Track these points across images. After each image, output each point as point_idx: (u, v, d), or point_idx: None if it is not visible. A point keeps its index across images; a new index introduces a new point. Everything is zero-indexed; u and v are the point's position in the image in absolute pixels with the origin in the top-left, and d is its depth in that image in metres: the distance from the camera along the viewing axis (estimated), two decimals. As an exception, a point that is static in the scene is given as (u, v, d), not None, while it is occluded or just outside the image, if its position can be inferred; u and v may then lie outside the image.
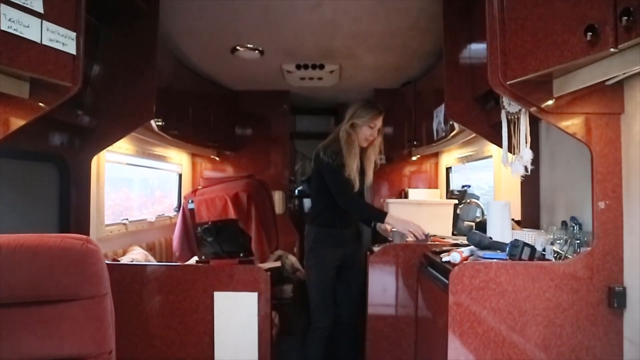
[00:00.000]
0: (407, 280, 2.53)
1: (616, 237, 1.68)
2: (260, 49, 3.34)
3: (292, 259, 3.77)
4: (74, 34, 1.53)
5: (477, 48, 2.39)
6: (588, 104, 1.69)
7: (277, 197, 4.53)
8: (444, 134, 3.34)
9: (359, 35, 3.06)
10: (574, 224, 1.90)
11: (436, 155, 4.65)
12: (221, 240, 2.44)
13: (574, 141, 1.78)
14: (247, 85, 4.48)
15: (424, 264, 2.37)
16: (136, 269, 2.31)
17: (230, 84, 4.43)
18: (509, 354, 1.69)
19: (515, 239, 1.82)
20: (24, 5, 1.37)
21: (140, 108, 2.48)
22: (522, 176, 1.99)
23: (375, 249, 2.80)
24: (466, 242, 2.13)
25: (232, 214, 3.31)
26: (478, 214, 3.28)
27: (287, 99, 4.73)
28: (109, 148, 2.68)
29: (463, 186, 3.76)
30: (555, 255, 1.85)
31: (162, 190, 4.26)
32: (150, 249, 3.33)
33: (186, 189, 4.36)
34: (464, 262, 1.83)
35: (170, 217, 3.98)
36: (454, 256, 1.91)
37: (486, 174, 3.60)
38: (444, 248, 2.29)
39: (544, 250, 1.88)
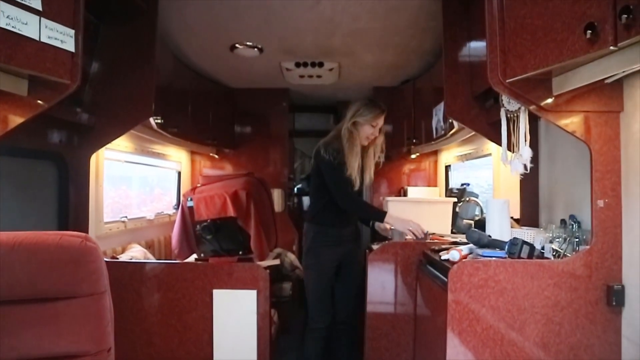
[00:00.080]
0: (406, 278, 2.54)
1: (615, 236, 1.69)
2: (260, 46, 3.33)
3: (291, 257, 3.77)
4: (72, 32, 1.52)
5: (477, 46, 2.39)
6: (587, 102, 1.69)
7: (276, 195, 4.52)
8: (443, 132, 3.33)
9: (358, 33, 3.06)
10: (573, 222, 1.90)
11: (435, 153, 4.65)
12: (220, 238, 2.43)
13: (573, 139, 1.78)
14: (246, 83, 4.47)
15: (423, 262, 2.37)
16: (135, 267, 2.31)
17: (230, 82, 4.42)
18: (507, 352, 1.70)
19: (514, 237, 1.82)
20: (23, 2, 1.36)
21: (139, 106, 2.48)
22: (521, 174, 1.99)
23: (375, 247, 2.80)
24: (465, 240, 2.13)
25: (231, 211, 3.31)
26: (477, 212, 3.28)
27: (286, 97, 4.73)
28: (108, 146, 2.68)
29: (462, 184, 3.76)
30: (554, 253, 1.85)
31: (161, 188, 4.26)
32: (149, 246, 3.33)
33: (185, 186, 4.36)
34: (463, 260, 1.83)
35: (169, 215, 3.98)
36: (453, 254, 1.91)
37: (485, 172, 3.60)
38: (443, 246, 2.29)
39: (542, 248, 1.88)
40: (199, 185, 3.72)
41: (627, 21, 1.13)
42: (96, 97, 2.45)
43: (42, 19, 1.42)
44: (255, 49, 3.36)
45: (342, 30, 3.01)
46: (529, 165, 1.94)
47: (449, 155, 4.31)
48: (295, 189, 5.52)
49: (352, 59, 3.63)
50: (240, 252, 2.41)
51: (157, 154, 3.77)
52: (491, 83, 1.64)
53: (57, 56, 1.48)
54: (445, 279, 1.77)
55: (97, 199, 2.76)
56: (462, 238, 2.63)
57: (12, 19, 1.33)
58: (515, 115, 1.99)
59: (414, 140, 4.05)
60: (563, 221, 1.98)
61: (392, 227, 2.68)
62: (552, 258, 1.82)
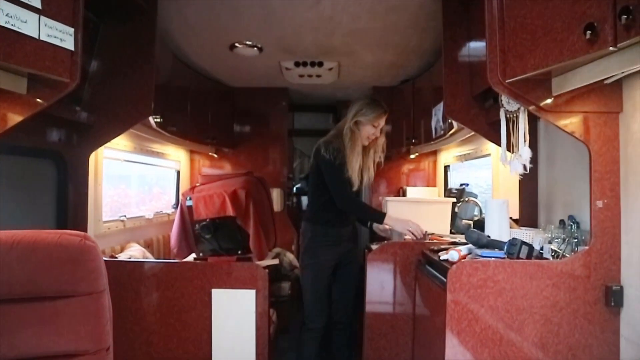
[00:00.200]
0: (405, 278, 2.54)
1: (614, 236, 1.69)
2: (259, 46, 3.33)
3: (290, 257, 3.77)
4: (72, 30, 1.52)
5: (476, 46, 2.39)
6: (587, 102, 1.69)
7: (276, 194, 4.52)
8: (442, 132, 3.34)
9: (358, 32, 3.06)
10: (571, 223, 1.90)
11: (434, 153, 4.65)
12: (219, 237, 2.44)
13: (573, 140, 1.78)
14: (246, 82, 4.47)
15: (422, 262, 2.37)
16: (134, 266, 2.30)
17: (229, 81, 4.42)
18: (506, 352, 1.70)
19: (513, 238, 1.82)
20: (22, 0, 1.36)
21: (138, 104, 2.48)
22: (520, 174, 1.99)
23: (374, 247, 2.80)
24: (464, 240, 2.13)
25: (230, 211, 3.30)
26: (476, 212, 3.29)
27: (286, 96, 4.73)
28: (107, 144, 2.68)
29: (461, 184, 3.77)
30: (552, 253, 1.85)
31: (160, 187, 4.26)
32: (148, 245, 3.33)
33: (184, 186, 4.36)
34: (462, 260, 1.84)
35: (168, 214, 3.97)
36: (452, 254, 1.91)
37: (484, 173, 3.60)
38: (442, 246, 2.29)
39: (541, 248, 1.88)
40: (198, 184, 3.71)
41: (626, 21, 1.14)
42: (95, 96, 2.44)
43: (42, 17, 1.42)
44: (255, 48, 3.36)
45: (342, 29, 3.00)
46: (528, 166, 1.94)
47: (448, 155, 4.31)
48: (295, 189, 5.52)
49: (351, 59, 3.63)
50: (239, 252, 2.42)
51: (156, 153, 3.76)
52: (491, 83, 1.64)
53: (56, 54, 1.48)
54: (444, 279, 1.77)
55: (96, 198, 2.76)
56: (461, 238, 2.63)
57: (11, 17, 1.33)
58: (515, 115, 1.99)
59: (413, 140, 4.05)
60: (562, 221, 1.98)
61: (392, 228, 2.68)
62: (551, 258, 1.82)
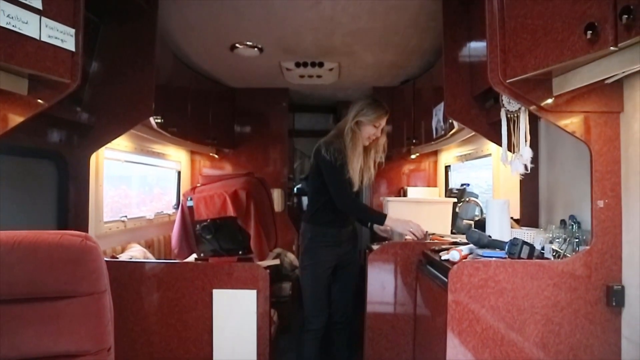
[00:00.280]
0: (406, 278, 2.53)
1: (615, 236, 1.69)
2: (260, 46, 3.33)
3: (291, 257, 3.77)
4: (72, 31, 1.52)
5: (477, 46, 2.39)
6: (587, 102, 1.69)
7: (276, 194, 4.52)
8: (443, 132, 3.34)
9: (358, 33, 3.06)
10: (572, 223, 1.90)
11: (435, 153, 4.65)
12: (220, 237, 2.44)
13: (573, 140, 1.78)
14: (246, 83, 4.47)
15: (422, 262, 2.37)
16: (135, 266, 2.30)
17: (229, 82, 4.42)
18: (507, 352, 1.69)
19: (514, 238, 1.82)
20: (23, 1, 1.36)
21: (139, 105, 2.48)
22: (521, 174, 1.99)
23: (374, 247, 2.80)
24: (465, 240, 2.13)
25: (231, 211, 3.30)
26: (477, 212, 3.29)
27: (286, 97, 4.73)
28: (108, 145, 2.68)
29: (462, 184, 3.77)
30: (554, 253, 1.85)
31: (161, 187, 4.26)
32: (149, 246, 3.33)
33: (185, 186, 4.36)
34: (463, 260, 1.83)
35: (169, 215, 3.98)
36: (453, 254, 1.91)
37: (485, 173, 3.60)
38: (443, 246, 2.29)
39: (542, 248, 1.88)
40: (198, 184, 3.72)
41: (627, 21, 1.14)
42: (96, 97, 2.45)
43: (43, 18, 1.42)
44: (255, 49, 3.36)
45: (342, 30, 3.01)
46: (529, 166, 1.94)
47: (448, 155, 4.31)
48: (295, 189, 5.52)
49: (352, 59, 3.64)
50: (240, 252, 2.41)
51: (156, 154, 3.77)
52: (491, 83, 1.64)
53: (57, 55, 1.48)
54: (445, 279, 1.77)
55: (96, 199, 2.76)
56: (462, 238, 2.62)
57: (12, 17, 1.33)
58: (516, 115, 1.99)
59: (414, 141, 4.05)
60: (563, 221, 1.98)
61: (392, 229, 2.67)
62: (552, 258, 1.82)
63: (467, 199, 3.43)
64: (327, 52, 3.49)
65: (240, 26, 2.98)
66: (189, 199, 3.46)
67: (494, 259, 1.77)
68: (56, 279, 1.31)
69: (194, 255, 2.84)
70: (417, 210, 3.12)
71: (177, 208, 3.99)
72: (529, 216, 2.39)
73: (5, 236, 1.29)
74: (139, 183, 3.89)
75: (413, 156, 4.60)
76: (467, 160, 3.81)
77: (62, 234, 1.34)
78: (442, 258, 2.00)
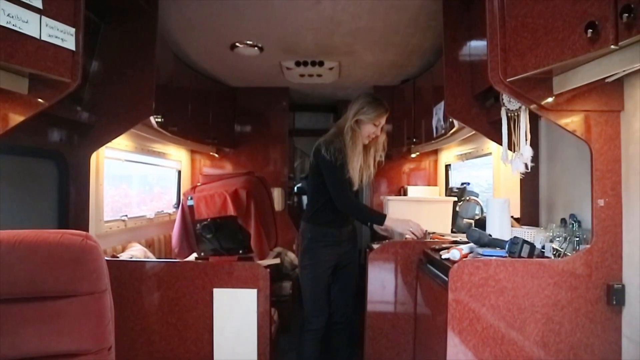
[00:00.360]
0: (406, 277, 2.53)
1: (615, 235, 1.69)
2: (260, 45, 3.33)
3: (291, 256, 3.78)
4: (73, 30, 1.52)
5: (477, 45, 2.39)
6: (588, 101, 1.69)
7: (277, 194, 4.53)
8: (443, 131, 3.34)
9: (359, 32, 3.06)
10: (573, 222, 1.90)
11: (435, 152, 4.65)
12: (220, 237, 2.43)
13: (574, 139, 1.78)
14: (247, 82, 4.47)
15: (423, 261, 2.37)
16: (135, 266, 2.30)
17: (230, 81, 4.42)
18: (507, 351, 1.70)
19: (514, 237, 1.82)
20: (23, 1, 1.36)
21: (139, 104, 2.48)
22: (521, 173, 1.99)
23: (375, 246, 2.80)
24: (465, 239, 2.13)
25: (231, 210, 3.31)
26: (477, 211, 3.29)
27: (287, 96, 4.73)
28: (108, 144, 2.68)
29: (462, 184, 3.77)
30: (554, 252, 1.85)
31: (161, 186, 4.26)
32: (149, 245, 3.33)
33: (185, 185, 4.36)
34: (464, 259, 1.83)
35: (170, 214, 3.98)
36: (454, 253, 1.91)
37: (485, 172, 3.60)
38: (443, 245, 2.29)
39: (543, 247, 1.88)
40: (199, 184, 3.73)
41: (628, 20, 1.13)
42: (96, 96, 2.45)
43: (43, 17, 1.42)
44: (256, 48, 3.36)
45: (343, 29, 3.01)
46: (529, 165, 1.94)
47: (449, 154, 4.31)
48: (295, 188, 5.53)
49: (352, 58, 3.63)
50: (241, 251, 2.41)
51: (157, 153, 3.77)
52: (492, 82, 1.64)
53: (57, 55, 1.48)
54: (446, 278, 1.77)
55: (97, 198, 2.76)
56: (462, 237, 2.62)
57: (12, 17, 1.33)
58: (516, 114, 1.99)
59: (414, 140, 4.05)
60: (563, 220, 1.98)
61: (392, 229, 2.66)
62: (553, 257, 1.82)
63: (468, 198, 3.43)
64: (327, 52, 3.49)
65: (241, 25, 2.98)
66: (189, 198, 3.47)
67: (494, 257, 1.77)
68: (57, 278, 1.30)
69: (195, 255, 2.84)
70: (418, 209, 3.13)
71: (177, 207, 4.00)
72: (529, 215, 2.39)
73: (6, 235, 1.29)
74: (140, 182, 3.89)
75: (413, 155, 4.60)
76: (467, 159, 3.81)
77: (62, 233, 1.34)
78: (443, 257, 2.00)
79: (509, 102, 2.00)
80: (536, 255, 1.78)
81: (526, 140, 1.93)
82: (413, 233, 2.50)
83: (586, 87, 1.57)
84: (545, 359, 1.69)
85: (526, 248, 1.76)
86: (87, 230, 2.47)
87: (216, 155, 4.67)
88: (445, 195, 4.19)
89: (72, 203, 2.39)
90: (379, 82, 4.38)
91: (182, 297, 2.24)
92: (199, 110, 3.88)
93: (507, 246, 1.79)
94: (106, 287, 1.39)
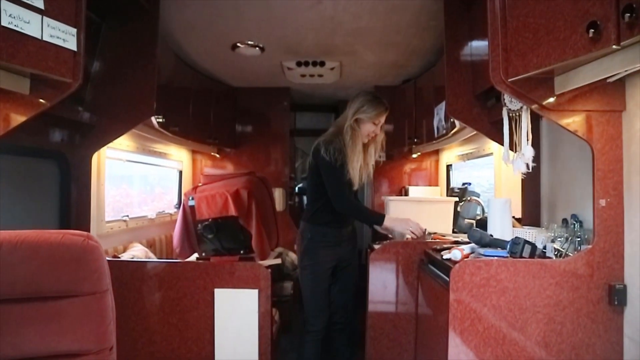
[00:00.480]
0: (408, 277, 2.53)
1: (617, 235, 1.68)
2: (261, 45, 3.33)
3: (293, 256, 3.77)
4: (74, 30, 1.52)
5: (478, 45, 2.39)
6: (589, 101, 1.69)
7: (278, 194, 4.53)
8: (444, 131, 3.33)
9: (360, 32, 3.06)
10: (574, 222, 1.90)
11: (436, 152, 4.65)
12: (221, 237, 2.43)
13: (575, 139, 1.78)
14: (248, 82, 4.47)
15: (424, 261, 2.37)
16: (137, 266, 2.31)
17: (231, 81, 4.42)
18: (509, 351, 1.69)
19: (516, 237, 1.82)
20: (25, 1, 1.36)
21: (140, 104, 2.48)
22: (523, 173, 1.99)
23: (376, 246, 2.80)
24: (467, 239, 2.13)
25: (232, 210, 3.32)
26: (478, 211, 3.29)
27: (288, 96, 4.73)
28: (110, 145, 2.68)
29: (463, 184, 3.77)
30: (555, 252, 1.85)
31: (162, 187, 4.26)
32: (150, 245, 3.33)
33: (186, 185, 4.36)
34: (465, 259, 1.83)
35: (171, 214, 3.98)
36: (455, 254, 1.91)
37: (486, 172, 3.60)
38: (445, 245, 2.29)
39: (544, 247, 1.88)
40: (200, 184, 3.73)
41: (630, 20, 1.13)
42: (98, 96, 2.45)
43: (44, 17, 1.42)
44: (257, 48, 3.36)
45: (344, 29, 3.00)
46: (531, 165, 1.93)
47: (450, 154, 4.30)
48: (297, 188, 5.53)
49: (353, 58, 3.63)
50: (242, 251, 2.41)
51: (158, 153, 3.77)
52: (493, 82, 1.64)
53: (59, 55, 1.48)
54: (447, 278, 1.77)
55: (98, 198, 2.77)
56: (463, 237, 2.62)
57: (14, 17, 1.33)
58: (517, 114, 1.99)
59: (415, 140, 4.05)
60: (565, 220, 1.98)
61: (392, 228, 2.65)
62: (554, 257, 1.82)
63: (469, 198, 3.43)
64: (328, 52, 3.49)
65: (242, 26, 2.98)
66: (190, 198, 3.47)
67: (495, 258, 1.77)
68: (58, 278, 1.31)
69: (196, 255, 2.84)
70: (419, 209, 3.12)
71: (178, 207, 4.00)
72: (530, 215, 2.39)
73: (8, 235, 1.29)
74: (141, 182, 3.89)
75: (414, 155, 4.60)
76: (468, 160, 3.80)
77: (64, 233, 1.34)
78: (444, 257, 2.00)
79: (511, 102, 1.99)
80: (537, 256, 1.78)
81: (527, 140, 1.93)
82: (413, 232, 2.49)
83: (588, 87, 1.57)
84: (547, 359, 1.69)
85: (527, 248, 1.76)
86: (88, 230, 2.47)
87: (217, 155, 4.68)
88: (447, 195, 4.19)
89: (73, 203, 2.39)
90: (380, 82, 4.37)
91: (183, 297, 2.25)
92: (200, 110, 3.88)
93: (508, 246, 1.79)
94: (107, 287, 1.39)
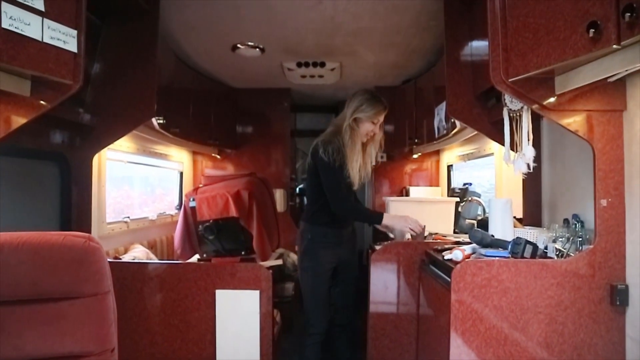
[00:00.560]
0: (409, 278, 2.53)
1: (618, 235, 1.68)
2: (261, 46, 3.33)
3: (294, 257, 3.77)
4: (75, 32, 1.53)
5: (479, 45, 2.39)
6: (590, 101, 1.69)
7: (279, 195, 4.53)
8: (445, 131, 3.33)
9: (360, 32, 3.06)
10: (576, 222, 1.89)
11: (437, 153, 4.65)
12: (222, 238, 2.43)
13: (576, 138, 1.78)
14: (248, 83, 4.48)
15: (425, 261, 2.37)
16: (138, 267, 2.31)
17: (231, 82, 4.42)
18: (510, 351, 1.69)
19: (517, 237, 1.82)
20: (25, 3, 1.37)
21: (141, 106, 2.48)
22: (524, 174, 1.99)
23: (377, 247, 2.80)
24: (468, 240, 2.13)
25: (233, 212, 3.31)
26: (479, 211, 3.28)
27: (288, 97, 4.74)
28: (110, 146, 2.68)
29: (464, 184, 3.77)
30: (557, 253, 1.84)
31: (163, 188, 4.26)
32: (151, 247, 3.33)
33: (187, 187, 4.37)
34: (466, 260, 1.83)
35: (172, 215, 3.98)
36: (456, 254, 1.90)
37: (487, 172, 3.60)
38: (446, 246, 2.28)
39: (545, 248, 1.88)
40: (201, 185, 3.73)
41: (630, 19, 1.13)
42: (98, 98, 2.45)
43: (45, 19, 1.43)
44: (257, 49, 3.36)
45: (344, 30, 3.01)
46: (532, 165, 1.93)
47: (450, 155, 4.30)
48: (297, 189, 5.53)
49: (353, 59, 3.63)
50: (243, 252, 2.41)
51: (159, 154, 3.77)
52: (493, 82, 1.64)
53: (59, 56, 1.48)
54: (448, 279, 1.76)
55: (99, 199, 2.77)
56: (464, 238, 2.62)
57: (14, 19, 1.33)
58: (518, 114, 1.99)
59: (416, 140, 4.04)
60: (566, 220, 1.97)
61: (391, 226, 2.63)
62: (555, 258, 1.82)
63: (470, 199, 3.43)
64: (328, 52, 3.49)
65: (242, 27, 2.98)
66: (191, 199, 3.47)
67: (497, 258, 1.77)
68: (59, 280, 1.31)
69: (197, 256, 2.84)
70: (420, 210, 3.12)
71: (179, 209, 4.00)
72: (531, 215, 2.39)
73: (9, 237, 1.29)
74: (141, 184, 3.89)
75: (415, 156, 4.60)
76: (469, 160, 3.80)
77: (65, 234, 1.34)
78: (445, 258, 2.00)
79: (511, 102, 1.99)
80: (539, 256, 1.78)
81: (528, 140, 1.93)
82: (412, 229, 2.47)
83: (588, 86, 1.57)
84: (549, 359, 1.69)
85: (529, 248, 1.76)
86: (89, 231, 2.47)
87: (218, 156, 4.68)
88: (448, 195, 4.19)
89: (74, 205, 2.39)
90: (380, 83, 4.37)
91: (184, 299, 2.25)
92: (201, 111, 3.88)
93: (509, 247, 1.79)
94: (109, 288, 1.39)
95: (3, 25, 1.30)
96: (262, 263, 2.49)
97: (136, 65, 2.48)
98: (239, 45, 3.30)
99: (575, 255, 1.75)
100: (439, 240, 2.65)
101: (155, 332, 2.25)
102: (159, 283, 2.26)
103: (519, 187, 2.50)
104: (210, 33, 3.09)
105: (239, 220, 2.88)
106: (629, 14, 1.13)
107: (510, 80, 1.59)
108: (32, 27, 1.39)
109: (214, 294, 2.23)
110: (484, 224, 2.48)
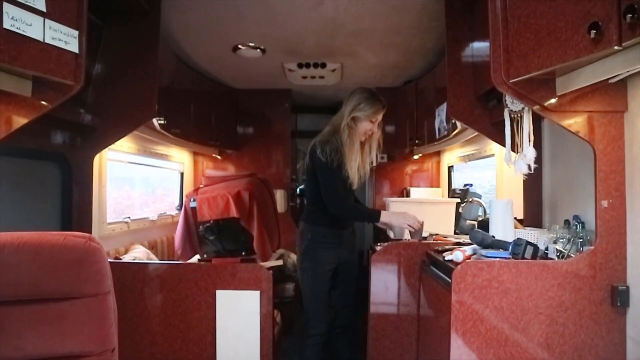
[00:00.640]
0: (409, 279, 2.53)
1: (619, 236, 1.68)
2: (262, 47, 3.34)
3: (294, 258, 3.77)
4: (76, 32, 1.53)
5: (480, 46, 2.39)
6: (591, 102, 1.69)
7: (279, 195, 4.53)
8: (445, 132, 3.33)
9: (361, 33, 3.06)
10: (576, 223, 1.89)
11: (438, 154, 4.65)
12: (223, 238, 2.43)
13: (577, 139, 1.78)
14: (249, 84, 4.48)
15: (426, 262, 2.36)
16: (138, 267, 2.31)
17: (232, 83, 4.43)
18: (511, 352, 1.69)
19: (518, 238, 1.82)
20: (27, 3, 1.37)
21: (142, 106, 2.48)
22: (524, 175, 1.99)
23: (378, 247, 2.79)
24: (469, 240, 2.13)
25: (234, 212, 3.31)
26: (480, 212, 3.28)
27: (289, 98, 4.74)
28: (111, 147, 2.69)
29: (465, 185, 3.76)
30: (558, 254, 1.84)
31: (163, 188, 4.27)
32: (152, 247, 3.33)
33: (188, 187, 4.37)
34: (467, 260, 1.83)
35: (172, 216, 3.98)
36: (457, 255, 1.90)
37: (488, 173, 3.59)
38: (447, 247, 2.28)
39: (546, 249, 1.88)
40: (201, 186, 3.73)
41: (631, 20, 1.13)
42: (99, 98, 2.45)
43: (46, 20, 1.43)
44: (258, 50, 3.37)
45: (345, 30, 3.01)
46: (532, 166, 1.93)
47: (451, 155, 4.30)
48: (298, 190, 5.53)
49: (354, 60, 3.64)
50: (243, 253, 2.41)
51: (159, 155, 3.77)
52: (494, 83, 1.64)
53: (60, 57, 1.49)
54: (449, 280, 1.76)
55: (100, 200, 2.77)
56: (465, 239, 2.62)
57: (16, 20, 1.34)
58: (519, 115, 1.98)
59: (417, 141, 4.05)
60: (567, 221, 1.97)
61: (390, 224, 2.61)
62: (556, 258, 1.81)
63: (471, 200, 3.43)
64: (329, 53, 3.49)
65: (243, 27, 2.98)
66: (192, 200, 3.47)
67: (497, 259, 1.77)
68: (60, 280, 1.31)
69: (197, 256, 2.84)
70: (420, 210, 3.11)
71: (180, 209, 4.00)
72: (532, 216, 2.39)
73: (10, 237, 1.29)
74: (142, 184, 3.90)
75: (416, 157, 4.60)
76: (470, 161, 3.80)
77: (65, 235, 1.34)
78: (446, 258, 2.00)
79: (512, 103, 1.99)
80: (540, 257, 1.78)
81: (529, 141, 1.93)
82: (410, 225, 2.46)
83: (589, 87, 1.57)
84: (549, 360, 1.69)
85: (529, 249, 1.76)
86: (90, 232, 2.47)
87: (218, 157, 4.68)
88: (448, 196, 4.18)
89: (75, 205, 2.39)
90: (381, 84, 4.37)
91: (185, 299, 2.24)
92: (202, 112, 3.89)
93: (510, 247, 1.79)
94: (109, 289, 1.39)
95: (4, 26, 1.31)
96: (262, 263, 2.49)
97: (137, 65, 2.48)
98: (239, 46, 3.30)
99: (576, 256, 1.75)
100: (439, 241, 2.65)
101: (155, 332, 2.25)
102: (160, 283, 2.26)
103: (519, 188, 2.50)
104: (211, 34, 3.09)
105: (239, 221, 2.87)
106: (630, 15, 1.13)
107: (511, 81, 1.59)
108: (34, 27, 1.39)
109: (214, 295, 2.23)
110: (484, 225, 2.48)
